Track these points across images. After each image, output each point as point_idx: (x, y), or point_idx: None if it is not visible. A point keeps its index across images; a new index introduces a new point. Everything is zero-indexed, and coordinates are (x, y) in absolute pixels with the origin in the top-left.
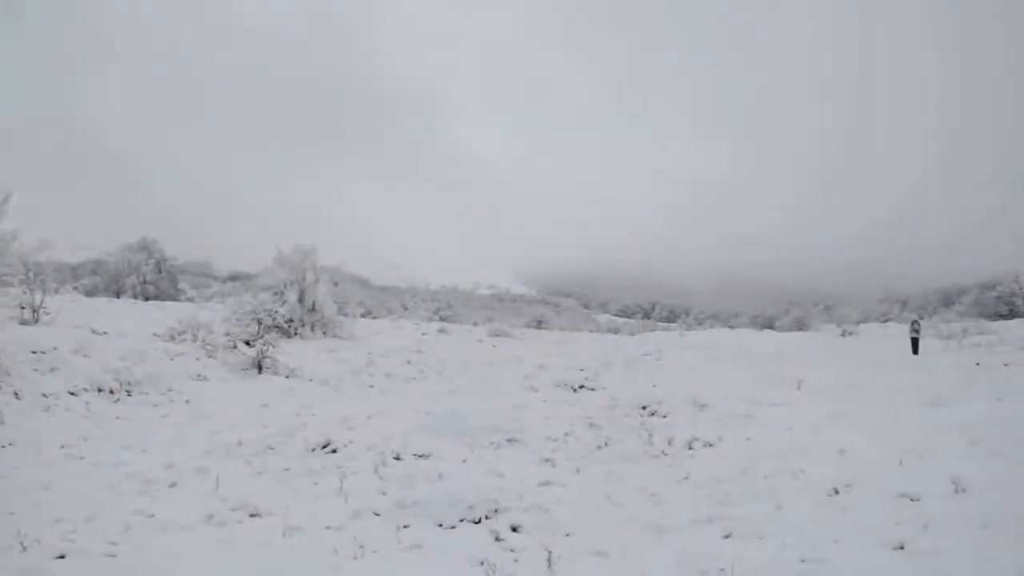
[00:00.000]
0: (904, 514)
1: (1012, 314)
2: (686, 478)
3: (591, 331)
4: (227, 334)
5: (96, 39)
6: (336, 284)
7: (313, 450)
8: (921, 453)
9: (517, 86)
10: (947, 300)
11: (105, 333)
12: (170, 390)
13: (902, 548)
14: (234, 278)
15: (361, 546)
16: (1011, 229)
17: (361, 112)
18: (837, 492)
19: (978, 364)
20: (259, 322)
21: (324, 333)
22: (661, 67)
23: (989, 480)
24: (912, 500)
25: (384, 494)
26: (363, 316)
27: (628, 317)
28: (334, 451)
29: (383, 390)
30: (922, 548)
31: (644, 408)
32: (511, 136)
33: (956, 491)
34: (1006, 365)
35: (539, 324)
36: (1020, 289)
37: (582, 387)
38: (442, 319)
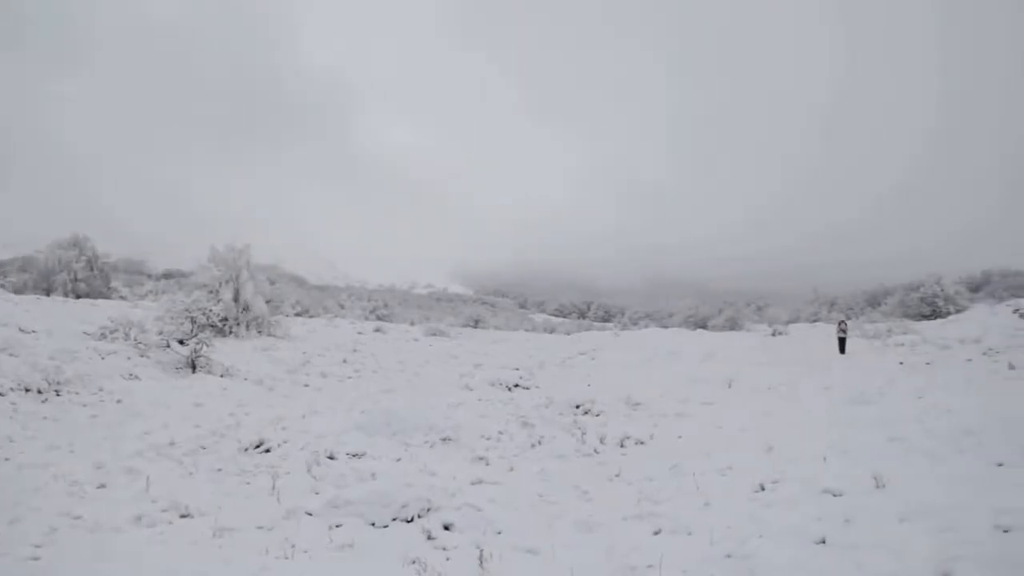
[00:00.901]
0: (827, 509)
1: (934, 314)
2: (617, 475)
3: (527, 330)
4: (160, 333)
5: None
6: (272, 283)
7: (246, 450)
8: (844, 450)
9: (447, 86)
10: (873, 301)
11: (33, 332)
12: (101, 390)
13: (824, 542)
14: (168, 276)
15: (292, 546)
16: (934, 233)
17: (292, 111)
18: (763, 488)
19: (901, 363)
20: (193, 321)
21: (259, 332)
22: (594, 69)
23: (908, 476)
24: (835, 496)
25: (317, 494)
26: (299, 315)
27: (564, 317)
28: (268, 451)
29: (318, 389)
30: (843, 542)
31: (578, 407)
32: (444, 136)
33: (876, 487)
34: (928, 364)
35: (476, 323)
36: (942, 291)
37: (517, 386)
38: (379, 318)
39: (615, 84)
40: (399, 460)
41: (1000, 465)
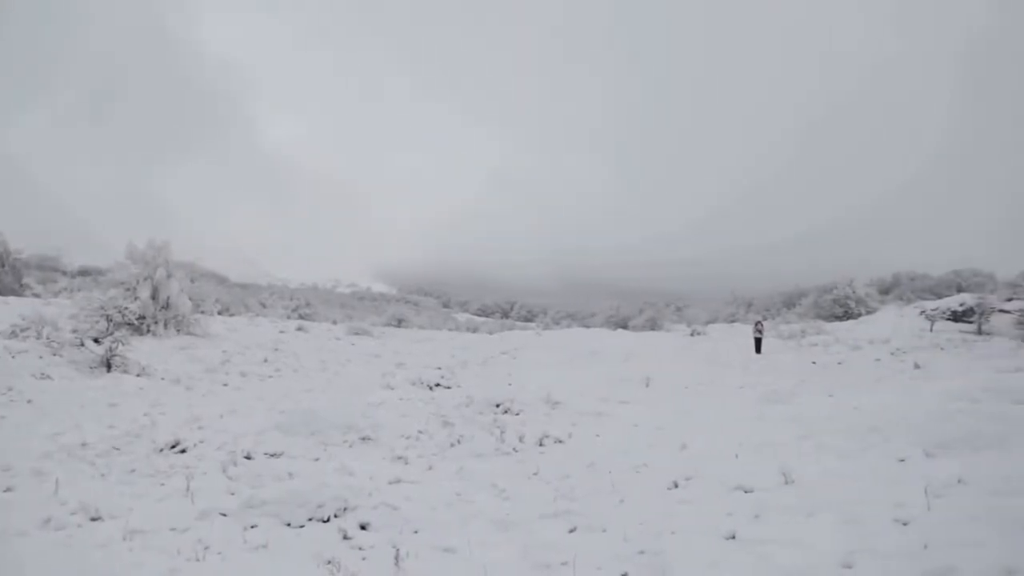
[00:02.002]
0: (737, 505)
1: (846, 316)
2: (535, 474)
3: (450, 330)
4: (74, 331)
5: None
6: (192, 281)
7: (161, 450)
8: (756, 447)
9: (366, 81)
10: (789, 302)
11: None
12: (10, 389)
13: (734, 538)
14: (84, 273)
15: (206, 548)
16: (848, 237)
17: (206, 110)
18: (677, 485)
19: (814, 362)
20: (109, 319)
21: (178, 330)
22: (506, 70)
23: (816, 472)
24: (746, 492)
25: (233, 494)
26: (220, 313)
27: (487, 316)
28: (183, 451)
29: (238, 388)
30: (751, 537)
31: (498, 406)
32: (364, 133)
33: (786, 482)
34: (839, 363)
35: (399, 323)
36: (854, 293)
37: (438, 385)
38: (301, 317)
39: (551, 84)
40: (317, 460)
41: (902, 461)
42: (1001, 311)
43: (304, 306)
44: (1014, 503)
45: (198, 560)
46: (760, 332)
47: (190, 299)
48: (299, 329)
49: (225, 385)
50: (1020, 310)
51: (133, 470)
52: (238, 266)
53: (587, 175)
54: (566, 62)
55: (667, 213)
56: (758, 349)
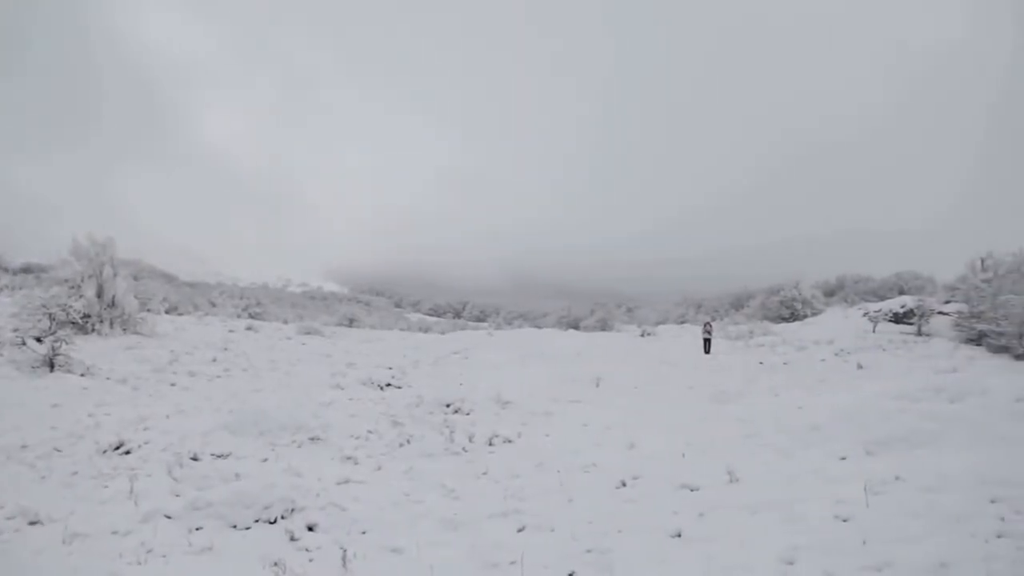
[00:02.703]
0: (683, 504)
1: (793, 317)
2: (485, 474)
3: (402, 330)
4: (15, 330)
5: None
6: (138, 279)
7: (105, 452)
8: (703, 446)
9: (308, 76)
10: (737, 303)
11: None
12: None
13: (679, 536)
14: (27, 270)
15: (149, 551)
16: (795, 240)
17: (145, 106)
18: (625, 485)
19: (761, 363)
20: (51, 317)
21: (124, 330)
22: (458, 64)
23: (760, 470)
24: (692, 490)
25: (178, 496)
26: (168, 312)
27: (439, 316)
28: (127, 452)
29: (186, 388)
30: (697, 535)
31: (448, 406)
32: (311, 130)
33: (731, 481)
34: (785, 364)
35: (350, 322)
36: (800, 295)
37: (389, 385)
38: (251, 316)
39: (500, 83)
40: (265, 460)
41: (843, 459)
42: (940, 313)
43: (254, 305)
44: (948, 499)
45: (140, 564)
46: (709, 333)
47: (136, 298)
48: (249, 328)
49: (173, 385)
50: (958, 312)
51: (75, 472)
52: (187, 264)
53: (541, 176)
54: (524, 63)
55: (625, 217)
56: (707, 349)
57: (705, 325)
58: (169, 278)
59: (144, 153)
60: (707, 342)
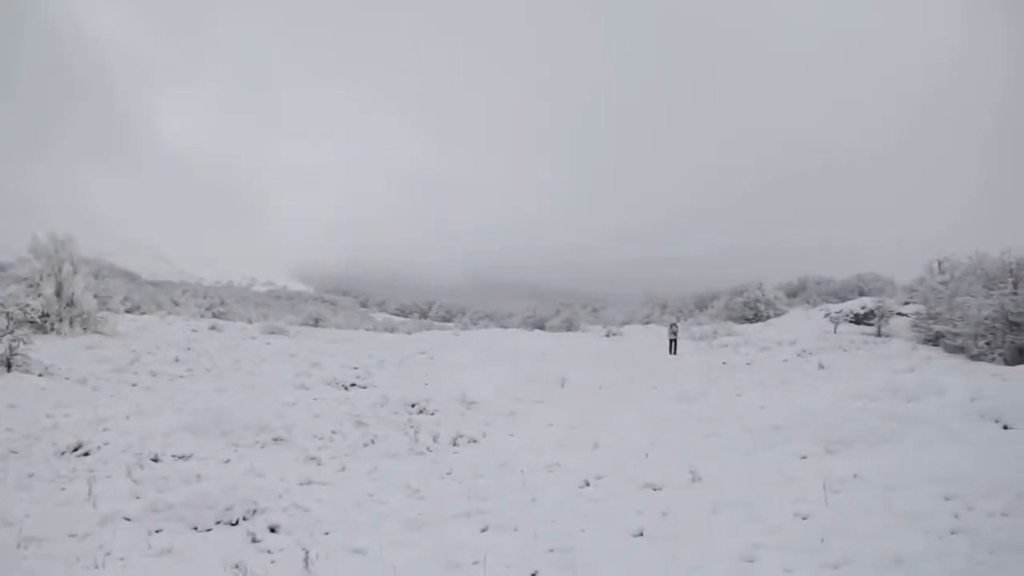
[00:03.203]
0: (646, 503)
1: (756, 318)
2: (449, 474)
3: (368, 329)
4: None
5: None
6: (99, 277)
7: (63, 453)
8: (666, 446)
9: (269, 69)
10: (701, 304)
11: None
12: None
13: (642, 535)
14: None
15: (107, 554)
16: (757, 241)
17: (97, 104)
18: (588, 484)
19: (724, 363)
20: (9, 316)
21: (85, 329)
22: (413, 68)
23: (722, 469)
24: (655, 490)
25: (138, 498)
26: (130, 312)
27: (405, 316)
28: (86, 454)
29: (147, 388)
30: (659, 534)
31: (413, 406)
32: (274, 127)
33: (693, 480)
34: (748, 364)
35: (316, 322)
36: (763, 296)
37: (354, 385)
38: (215, 316)
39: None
40: (228, 461)
41: (804, 458)
42: (899, 314)
43: (219, 304)
44: (904, 496)
45: (97, 567)
46: (675, 333)
47: (96, 296)
48: (213, 328)
49: (134, 385)
50: (916, 313)
51: (32, 474)
52: (150, 263)
53: (515, 178)
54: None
55: (599, 219)
56: (673, 350)
57: (671, 326)
58: (131, 277)
59: (105, 151)
60: (673, 343)
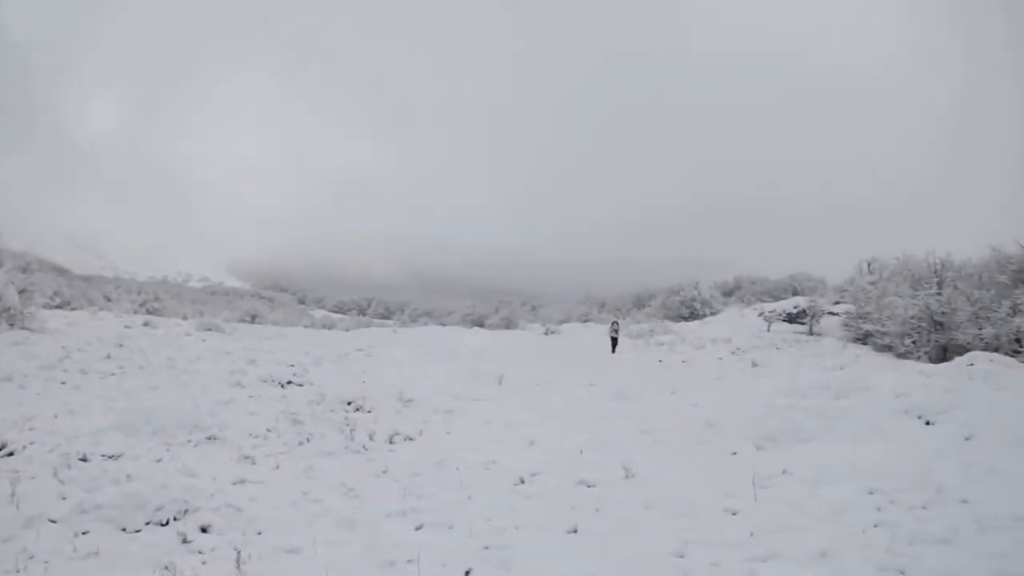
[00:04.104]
0: (580, 500)
1: (692, 316)
2: (385, 472)
3: (306, 326)
4: None
5: None
6: (27, 271)
7: None
8: (600, 443)
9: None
10: (639, 303)
11: None
12: None
13: (576, 531)
14: None
15: (30, 557)
16: (693, 240)
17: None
18: (523, 481)
19: (661, 361)
20: None
21: (11, 325)
22: (359, 63)
23: (655, 466)
24: (589, 487)
25: (64, 499)
26: (59, 307)
27: (344, 313)
28: (10, 454)
29: (77, 387)
30: (593, 530)
31: (350, 403)
32: (191, 119)
33: (627, 477)
34: (683, 362)
35: (253, 319)
36: (699, 295)
37: (290, 383)
38: (149, 312)
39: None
40: (159, 461)
41: (734, 454)
42: (830, 313)
43: (153, 300)
44: (830, 491)
45: (18, 571)
46: (616, 332)
47: (24, 291)
48: (146, 324)
49: (63, 383)
50: (846, 312)
51: None
52: (81, 258)
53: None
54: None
55: (549, 221)
56: (614, 348)
57: (612, 324)
58: (61, 271)
59: (27, 143)
60: (614, 341)
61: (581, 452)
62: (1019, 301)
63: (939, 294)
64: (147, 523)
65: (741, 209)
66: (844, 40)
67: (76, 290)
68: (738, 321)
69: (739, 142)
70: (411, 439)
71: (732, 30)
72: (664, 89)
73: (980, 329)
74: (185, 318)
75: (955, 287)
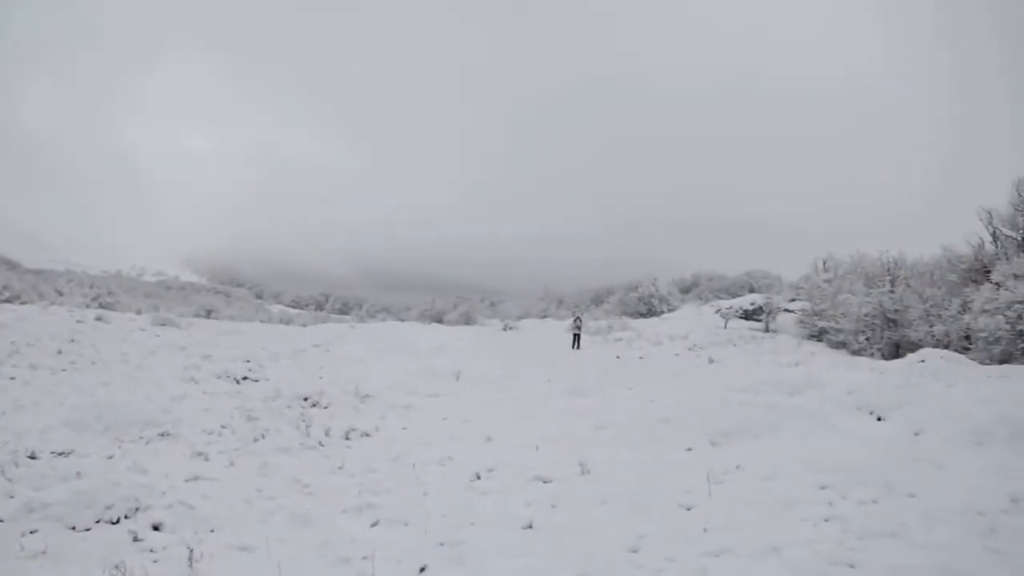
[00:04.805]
0: (536, 495)
1: (650, 313)
2: (340, 468)
3: (263, 321)
4: None
5: None
6: None
7: None
8: (557, 439)
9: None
10: (597, 299)
11: None
12: None
13: (531, 527)
14: None
15: None
16: (652, 242)
17: None
18: (480, 477)
19: (618, 357)
20: None
21: None
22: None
23: (611, 461)
24: (545, 482)
25: (12, 497)
26: (8, 301)
27: (302, 308)
28: None
29: (26, 382)
30: (548, 526)
31: (306, 399)
32: (133, 110)
33: (582, 473)
34: (641, 358)
35: (208, 313)
36: (657, 291)
37: (246, 378)
38: (102, 306)
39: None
40: (111, 458)
41: (689, 450)
42: (786, 310)
43: (106, 295)
44: (782, 486)
45: None
46: (578, 328)
47: None
48: (99, 319)
49: (12, 379)
50: (802, 310)
51: None
52: (33, 251)
53: (406, 172)
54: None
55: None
56: (576, 344)
57: (575, 320)
58: (11, 265)
59: None
60: (576, 337)
61: (537, 448)
62: (969, 299)
63: (892, 292)
64: (97, 521)
65: (702, 217)
66: (807, 55)
67: (26, 283)
68: (695, 318)
69: (705, 155)
70: (367, 435)
71: (699, 45)
72: (630, 103)
73: (931, 326)
74: (139, 312)
75: (908, 285)
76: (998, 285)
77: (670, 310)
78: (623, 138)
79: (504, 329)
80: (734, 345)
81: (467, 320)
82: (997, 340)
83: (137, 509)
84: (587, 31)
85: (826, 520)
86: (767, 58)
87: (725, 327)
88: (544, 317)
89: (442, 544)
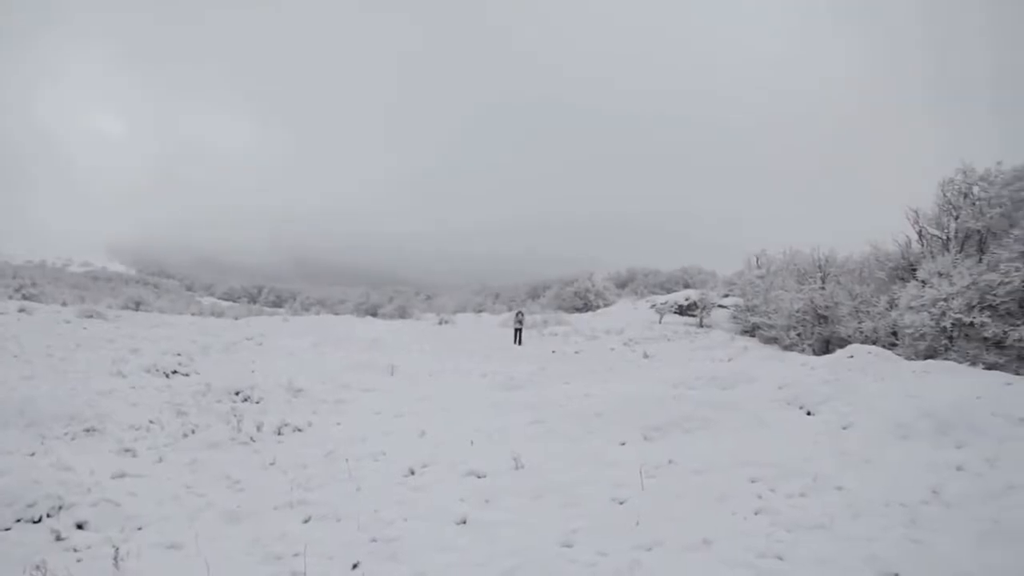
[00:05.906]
0: (470, 491)
1: (586, 307)
2: (272, 464)
3: (194, 314)
4: None
5: None
6: None
7: None
8: (491, 433)
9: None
10: (534, 293)
11: None
12: None
13: (464, 522)
14: None
15: None
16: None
17: None
18: (413, 473)
19: (554, 352)
20: None
21: None
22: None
23: (544, 456)
24: (479, 477)
25: None
26: None
27: (234, 301)
28: None
29: None
30: (482, 521)
31: (237, 394)
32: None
33: (516, 467)
34: (577, 353)
35: (137, 305)
36: (593, 286)
37: (175, 372)
38: (25, 297)
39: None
40: (33, 454)
41: (623, 444)
42: (720, 306)
43: (30, 285)
44: (713, 479)
45: None
46: (520, 323)
47: None
48: (22, 311)
49: None
50: (735, 305)
51: None
52: None
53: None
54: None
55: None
56: (518, 340)
57: (517, 314)
58: None
59: None
60: (518, 332)
61: (471, 443)
62: (896, 296)
63: (823, 288)
64: (17, 520)
65: (635, 222)
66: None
67: None
68: (631, 313)
69: (651, 166)
70: (300, 430)
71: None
72: (574, 118)
73: (860, 323)
74: (64, 304)
75: (838, 282)
76: (923, 283)
77: (606, 305)
78: (564, 147)
79: (440, 323)
80: (669, 340)
81: (402, 314)
82: (922, 336)
83: (60, 507)
84: (537, 38)
85: (756, 513)
86: (712, 83)
87: (660, 322)
88: (480, 311)
89: (375, 540)
